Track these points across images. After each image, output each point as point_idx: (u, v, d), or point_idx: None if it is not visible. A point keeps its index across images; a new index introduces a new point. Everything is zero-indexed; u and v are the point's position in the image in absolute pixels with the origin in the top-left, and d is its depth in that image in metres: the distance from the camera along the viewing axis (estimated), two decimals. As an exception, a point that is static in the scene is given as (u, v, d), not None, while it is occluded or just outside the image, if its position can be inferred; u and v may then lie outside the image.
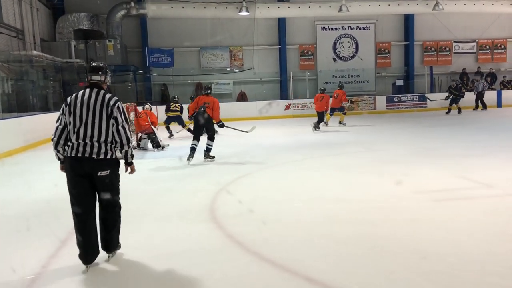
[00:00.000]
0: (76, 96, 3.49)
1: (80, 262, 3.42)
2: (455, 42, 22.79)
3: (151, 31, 20.61)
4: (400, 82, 22.14)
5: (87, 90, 3.50)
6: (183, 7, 18.90)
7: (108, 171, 3.43)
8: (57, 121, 3.48)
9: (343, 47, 22.31)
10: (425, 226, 4.21)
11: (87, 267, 3.39)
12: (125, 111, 3.61)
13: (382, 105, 20.45)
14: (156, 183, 6.78)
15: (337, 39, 22.21)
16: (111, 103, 3.46)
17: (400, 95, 20.88)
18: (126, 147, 3.49)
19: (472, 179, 6.14)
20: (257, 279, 3.16)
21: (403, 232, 4.04)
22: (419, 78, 22.36)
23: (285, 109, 19.67)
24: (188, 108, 8.49)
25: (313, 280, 3.10)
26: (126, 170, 3.65)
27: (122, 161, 3.57)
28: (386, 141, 10.72)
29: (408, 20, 22.21)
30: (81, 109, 3.41)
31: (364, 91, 22.00)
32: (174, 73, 20.75)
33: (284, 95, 21.17)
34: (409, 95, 20.97)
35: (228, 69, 21.47)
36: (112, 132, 3.43)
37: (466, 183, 6.01)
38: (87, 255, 3.40)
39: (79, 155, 3.36)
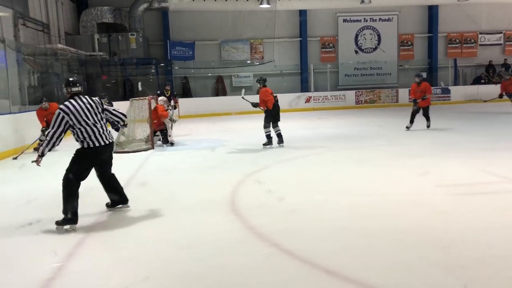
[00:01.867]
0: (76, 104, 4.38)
1: (103, 250, 3.51)
2: (480, 33, 22.26)
3: (172, 24, 20.75)
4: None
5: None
6: (204, 0, 18.95)
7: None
8: (58, 128, 4.17)
9: (365, 39, 22.04)
10: (446, 219, 4.17)
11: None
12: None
13: (405, 98, 20.16)
14: (179, 174, 6.88)
15: (359, 31, 21.95)
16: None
17: (423, 88, 20.54)
18: None
19: (496, 173, 6.03)
20: (277, 271, 3.20)
21: (424, 226, 4.02)
22: (442, 71, 21.96)
23: (305, 102, 19.60)
24: (267, 101, 8.92)
25: (333, 273, 3.12)
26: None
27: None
28: (408, 134, 10.59)
29: (432, 11, 21.78)
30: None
31: (386, 83, 21.73)
32: (195, 66, 20.87)
33: (304, 88, 21.08)
34: (432, 87, 20.59)
35: (249, 62, 21.48)
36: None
37: (490, 177, 5.91)
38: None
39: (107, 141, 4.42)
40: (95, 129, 4.31)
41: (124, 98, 16.94)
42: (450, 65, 21.87)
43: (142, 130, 10.26)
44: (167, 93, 12.43)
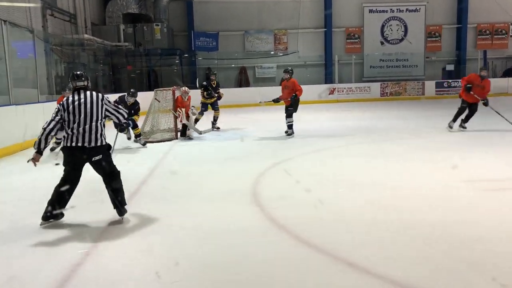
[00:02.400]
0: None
1: (128, 238, 3.57)
2: (512, 24, 21.61)
3: (197, 15, 20.79)
4: (450, 67, 21.31)
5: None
6: (228, -10, 18.92)
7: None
8: (51, 121, 4.13)
9: (391, 30, 21.65)
10: (473, 215, 4.08)
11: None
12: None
13: (431, 90, 19.79)
14: (201, 164, 6.92)
15: (385, 21, 21.57)
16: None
17: (450, 80, 20.10)
18: None
19: (526, 169, 5.87)
20: (299, 263, 3.19)
21: (450, 221, 3.94)
22: (471, 63, 21.41)
23: (329, 94, 19.43)
24: (299, 90, 9.20)
25: (355, 266, 3.10)
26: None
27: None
28: (434, 128, 10.38)
29: (462, 2, 21.22)
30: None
31: (412, 75, 21.33)
32: (218, 57, 20.91)
33: (329, 80, 20.88)
34: (459, 80, 20.14)
35: (272, 52, 21.37)
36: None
37: (519, 173, 5.75)
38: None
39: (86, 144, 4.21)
40: (80, 128, 3.98)
41: (149, 88, 17.11)
42: (480, 57, 21.31)
43: (167, 121, 10.35)
44: (214, 84, 11.14)
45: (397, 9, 21.44)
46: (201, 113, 10.99)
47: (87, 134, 4.01)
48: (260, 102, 10.42)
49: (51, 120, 4.08)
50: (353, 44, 21.65)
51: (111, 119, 4.34)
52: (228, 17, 20.85)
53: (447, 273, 2.97)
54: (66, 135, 4.04)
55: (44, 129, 4.05)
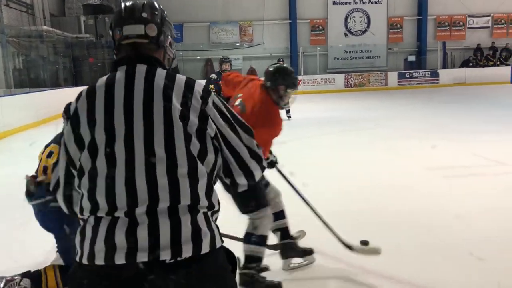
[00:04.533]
0: None
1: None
2: (469, 16, 22.27)
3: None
4: (412, 58, 21.83)
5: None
6: (192, -19, 18.66)
7: None
8: None
9: (355, 21, 21.94)
10: (435, 202, 4.22)
11: None
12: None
13: (394, 81, 20.23)
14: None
15: (349, 13, 21.83)
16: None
17: (412, 71, 20.62)
18: None
19: (484, 156, 6.10)
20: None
21: (413, 208, 4.06)
22: (431, 54, 22.00)
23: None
24: None
25: (323, 253, 3.14)
26: None
27: None
28: (397, 117, 10.64)
29: (422, -6, 21.74)
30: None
31: (375, 66, 21.74)
32: (183, 48, 20.65)
33: (294, 71, 20.93)
34: (421, 71, 20.70)
35: (238, 44, 21.30)
36: None
37: (478, 160, 5.97)
38: None
39: None
40: None
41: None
42: (439, 48, 21.92)
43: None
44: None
45: (360, 1, 21.74)
46: None
47: None
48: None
49: None
50: (318, 36, 21.83)
51: None
52: (193, 9, 20.59)
53: (412, 258, 3.06)
54: None
55: None
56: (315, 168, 5.84)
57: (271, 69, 3.00)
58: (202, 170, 1.26)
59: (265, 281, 2.70)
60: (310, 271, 3.00)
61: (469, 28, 22.39)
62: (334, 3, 21.64)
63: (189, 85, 1.32)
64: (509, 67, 20.73)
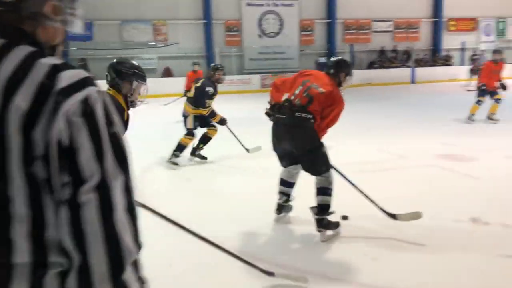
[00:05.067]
0: None
1: None
2: (374, 21, 23.75)
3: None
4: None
5: None
6: (102, -23, 17.89)
7: None
8: None
9: (268, 23, 22.43)
10: (344, 195, 4.44)
11: None
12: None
13: (306, 81, 20.95)
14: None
15: (262, 15, 22.26)
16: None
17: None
18: None
19: (390, 151, 6.55)
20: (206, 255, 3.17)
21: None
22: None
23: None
24: None
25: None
26: None
27: None
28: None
29: (331, -1, 22.79)
30: None
31: (289, 67, 22.36)
32: (93, 47, 19.73)
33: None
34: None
35: (152, 43, 20.79)
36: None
37: (384, 155, 6.40)
38: None
39: None
40: None
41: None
42: (348, 50, 23.12)
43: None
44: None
45: (273, 3, 22.26)
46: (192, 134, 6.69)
47: None
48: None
49: None
50: (233, 36, 22.00)
51: None
52: (103, 6, 19.73)
53: (323, 249, 3.19)
54: None
55: None
56: (219, 168, 5.87)
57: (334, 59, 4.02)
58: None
59: (336, 222, 3.64)
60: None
61: (374, 31, 23.87)
62: (248, 4, 21.94)
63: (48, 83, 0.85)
64: (410, 69, 22.44)
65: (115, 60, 3.30)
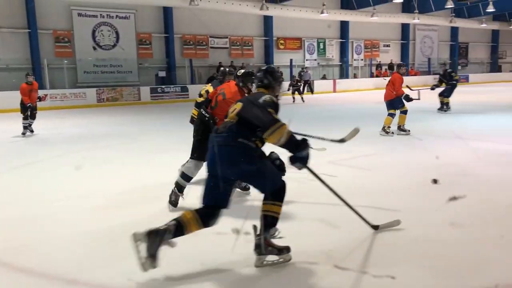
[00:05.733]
0: None
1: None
2: (211, 37, 24.50)
3: None
4: (162, 73, 22.66)
5: None
6: None
7: None
8: None
9: (103, 35, 21.42)
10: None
11: None
12: None
13: (147, 96, 20.58)
14: None
15: (96, 26, 21.18)
16: None
17: (163, 86, 21.38)
18: None
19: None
20: None
21: (152, 219, 4.17)
22: (180, 70, 23.29)
23: (40, 101, 17.77)
24: None
25: (73, 282, 2.92)
26: None
27: None
28: (152, 132, 10.86)
29: (167, 13, 22.77)
30: None
31: (127, 81, 21.69)
32: None
33: (40, 85, 19.01)
34: (172, 86, 21.67)
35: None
36: None
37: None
38: None
39: None
40: None
41: None
42: (187, 65, 23.41)
43: None
44: None
45: (107, 15, 21.33)
46: None
47: None
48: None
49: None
50: (64, 48, 20.39)
51: None
52: None
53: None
54: None
55: None
56: (62, 188, 5.41)
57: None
58: None
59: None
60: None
61: (211, 47, 24.63)
62: (80, 14, 20.67)
63: None
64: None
65: None
